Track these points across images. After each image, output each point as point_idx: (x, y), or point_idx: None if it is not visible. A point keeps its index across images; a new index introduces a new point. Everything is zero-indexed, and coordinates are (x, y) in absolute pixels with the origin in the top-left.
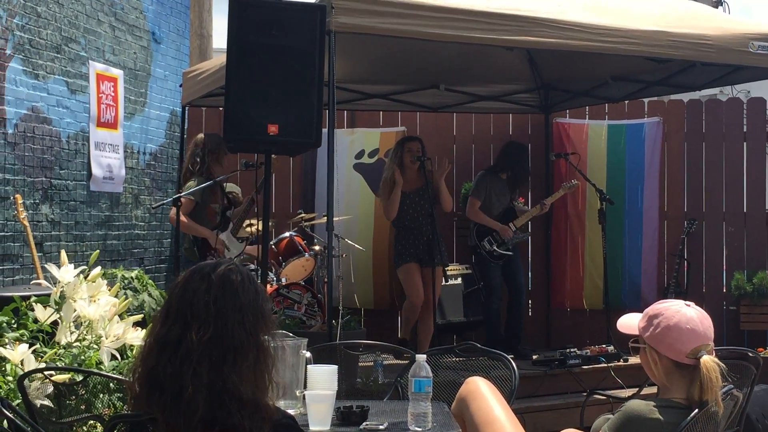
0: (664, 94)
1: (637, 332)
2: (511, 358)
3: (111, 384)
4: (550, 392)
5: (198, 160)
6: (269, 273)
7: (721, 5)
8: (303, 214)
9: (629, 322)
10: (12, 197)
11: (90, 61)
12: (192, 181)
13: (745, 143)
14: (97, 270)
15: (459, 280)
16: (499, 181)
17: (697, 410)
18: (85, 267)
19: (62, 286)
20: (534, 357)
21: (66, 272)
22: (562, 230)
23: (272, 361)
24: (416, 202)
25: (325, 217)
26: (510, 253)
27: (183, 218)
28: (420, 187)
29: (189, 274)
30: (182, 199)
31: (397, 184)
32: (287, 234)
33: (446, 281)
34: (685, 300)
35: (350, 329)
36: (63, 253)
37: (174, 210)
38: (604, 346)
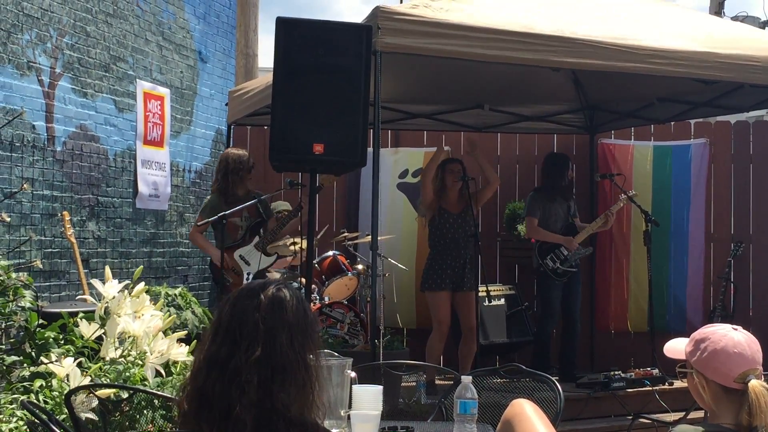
0: (710, 115)
1: (683, 357)
2: (557, 380)
3: (155, 401)
4: (594, 415)
5: (219, 177)
6: (313, 292)
7: None
8: (346, 233)
9: (676, 347)
10: (60, 214)
11: (137, 80)
12: (211, 198)
13: None
14: (141, 285)
15: (502, 301)
16: (551, 199)
17: None
18: (129, 282)
19: (107, 302)
20: (578, 379)
21: (110, 288)
22: (606, 252)
23: (319, 380)
24: (458, 224)
25: (369, 236)
26: (574, 269)
27: (195, 236)
28: (463, 209)
29: (239, 292)
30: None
31: (439, 152)
32: (330, 253)
33: (489, 302)
34: (732, 324)
35: (393, 349)
36: (108, 269)
37: (192, 232)
38: (649, 369)
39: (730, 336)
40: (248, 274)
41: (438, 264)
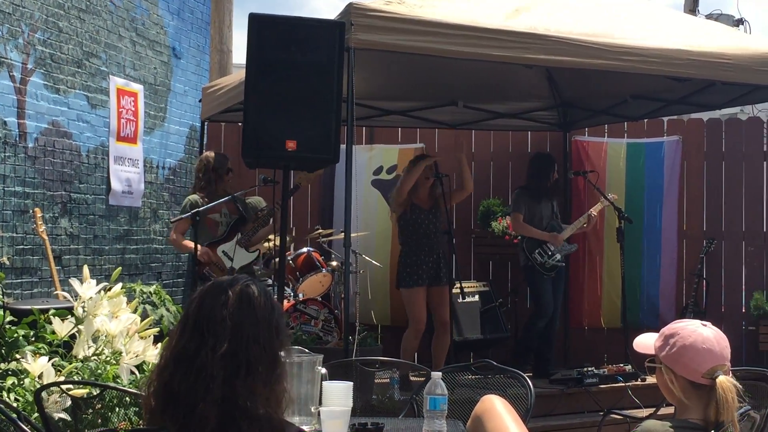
0: (683, 112)
1: (653, 352)
2: (531, 376)
3: (127, 398)
4: (568, 411)
5: (200, 176)
6: (287, 289)
7: (742, 25)
8: (321, 230)
9: (645, 342)
10: (31, 211)
11: (110, 76)
12: (192, 197)
13: (765, 162)
14: (119, 287)
15: (476, 298)
16: (536, 198)
17: (713, 431)
18: (106, 283)
19: (83, 302)
20: (552, 375)
21: (88, 288)
22: (580, 249)
23: (286, 376)
24: (430, 219)
25: (343, 233)
26: (562, 264)
27: (172, 236)
28: (433, 205)
29: (206, 288)
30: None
31: (426, 161)
32: (305, 249)
33: (463, 298)
34: (704, 320)
35: (366, 346)
36: (86, 269)
37: (171, 233)
38: (621, 365)
39: (699, 332)
40: (231, 268)
41: (412, 260)
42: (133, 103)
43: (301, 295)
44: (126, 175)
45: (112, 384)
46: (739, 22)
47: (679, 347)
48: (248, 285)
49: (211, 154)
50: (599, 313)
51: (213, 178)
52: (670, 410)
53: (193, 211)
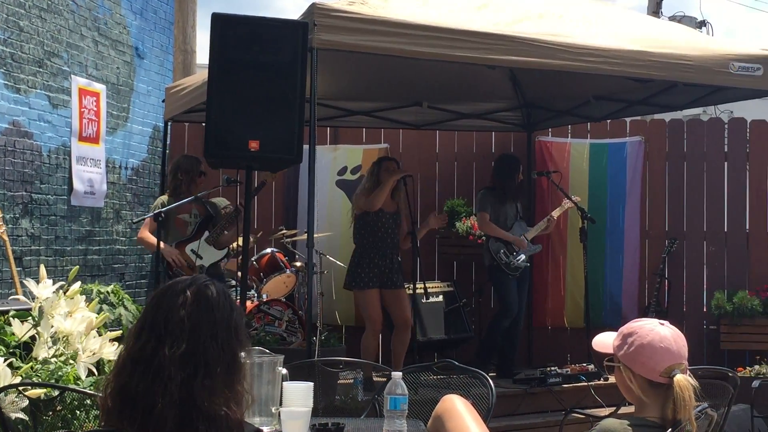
0: (645, 113)
1: (611, 351)
2: (494, 376)
3: (88, 400)
4: (531, 411)
5: (170, 178)
6: (251, 289)
7: (705, 26)
8: (285, 230)
9: (604, 341)
10: None
11: (72, 76)
12: (162, 198)
13: (725, 163)
14: (76, 286)
15: (440, 298)
16: (501, 200)
17: (670, 429)
18: (64, 282)
19: (41, 302)
20: (515, 375)
21: (44, 288)
22: (544, 249)
23: (245, 377)
24: (390, 224)
25: (307, 234)
26: (527, 264)
27: (146, 236)
28: (396, 208)
29: (164, 289)
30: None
31: (399, 174)
32: (269, 250)
33: (427, 299)
34: (666, 319)
35: (330, 346)
36: (42, 268)
37: (141, 230)
38: (584, 364)
39: (657, 331)
40: (201, 266)
41: (365, 261)
42: (95, 103)
43: (265, 296)
44: (88, 175)
45: (71, 386)
46: (701, 24)
47: (637, 346)
48: (206, 285)
49: (183, 156)
50: (563, 313)
51: (184, 180)
52: (632, 409)
53: (155, 212)
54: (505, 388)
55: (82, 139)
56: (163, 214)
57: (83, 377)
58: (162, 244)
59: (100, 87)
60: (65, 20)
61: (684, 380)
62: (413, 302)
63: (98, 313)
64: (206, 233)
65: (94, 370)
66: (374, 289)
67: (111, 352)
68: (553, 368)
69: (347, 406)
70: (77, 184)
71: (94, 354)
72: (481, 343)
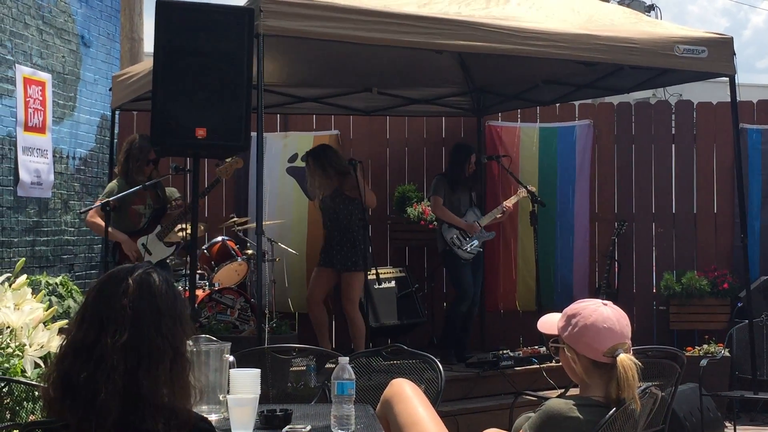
0: (594, 96)
1: (556, 332)
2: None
3: (35, 392)
4: (484, 394)
5: (122, 160)
6: (202, 278)
7: (653, 11)
8: (235, 218)
9: (549, 322)
10: None
11: (17, 65)
12: (113, 182)
13: (673, 145)
14: (23, 278)
15: (392, 284)
16: (454, 187)
17: (615, 408)
18: (9, 275)
19: None
20: (468, 359)
21: None
22: (495, 233)
23: (190, 365)
24: (350, 209)
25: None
26: (480, 249)
27: (99, 221)
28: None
29: (105, 277)
30: (97, 203)
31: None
32: (219, 238)
33: (379, 284)
34: (616, 300)
35: (282, 333)
36: None
37: (91, 213)
38: (536, 347)
39: (600, 311)
40: (148, 263)
41: (328, 244)
42: (40, 93)
43: (216, 285)
44: (35, 165)
45: (20, 378)
46: (650, 9)
47: (580, 327)
48: (149, 273)
49: (136, 137)
50: (514, 297)
51: (131, 167)
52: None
53: (102, 202)
54: (457, 372)
55: (27, 129)
56: (110, 204)
57: (30, 371)
58: (120, 235)
59: (45, 76)
60: (8, 8)
61: (627, 360)
62: (365, 288)
63: (46, 305)
64: (158, 227)
65: (42, 364)
66: (325, 269)
67: (59, 345)
68: (505, 351)
69: (299, 392)
70: (23, 175)
71: (41, 347)
72: (442, 331)
